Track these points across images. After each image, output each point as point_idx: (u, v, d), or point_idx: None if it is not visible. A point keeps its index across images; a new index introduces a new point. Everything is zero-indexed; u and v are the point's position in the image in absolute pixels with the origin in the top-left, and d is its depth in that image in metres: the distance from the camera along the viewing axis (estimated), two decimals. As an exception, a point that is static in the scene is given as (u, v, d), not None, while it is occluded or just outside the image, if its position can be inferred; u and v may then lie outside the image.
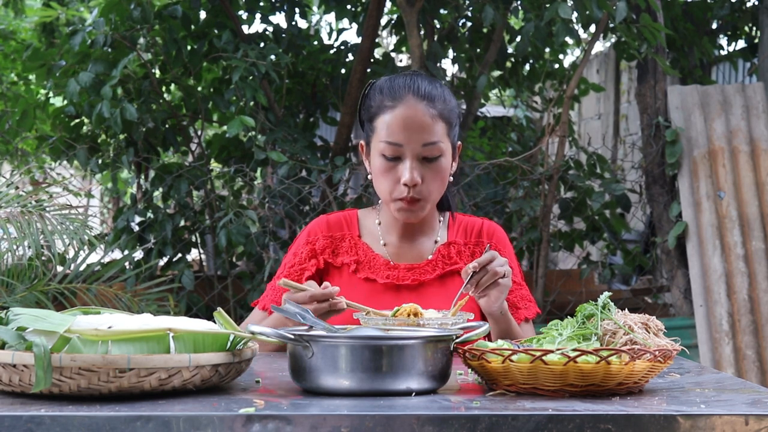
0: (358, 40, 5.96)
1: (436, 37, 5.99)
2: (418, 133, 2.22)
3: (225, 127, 5.90)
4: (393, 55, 6.30)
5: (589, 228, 5.83)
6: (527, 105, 6.44)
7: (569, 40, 6.46)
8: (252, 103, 5.34)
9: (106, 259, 5.35)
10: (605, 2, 4.96)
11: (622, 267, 6.07)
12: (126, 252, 5.38)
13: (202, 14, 5.91)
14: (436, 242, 2.40)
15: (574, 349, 1.63)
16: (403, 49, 6.23)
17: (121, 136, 5.64)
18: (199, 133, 5.89)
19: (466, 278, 2.07)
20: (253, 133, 5.45)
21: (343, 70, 6.14)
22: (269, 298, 2.37)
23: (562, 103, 5.72)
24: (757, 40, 6.60)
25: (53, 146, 5.66)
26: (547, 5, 5.27)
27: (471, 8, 5.93)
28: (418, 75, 2.34)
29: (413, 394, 1.62)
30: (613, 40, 6.27)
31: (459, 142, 2.37)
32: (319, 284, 2.36)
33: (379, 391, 1.61)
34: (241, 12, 5.90)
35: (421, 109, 2.23)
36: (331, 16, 6.67)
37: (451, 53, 6.15)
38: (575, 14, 5.12)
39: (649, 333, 1.75)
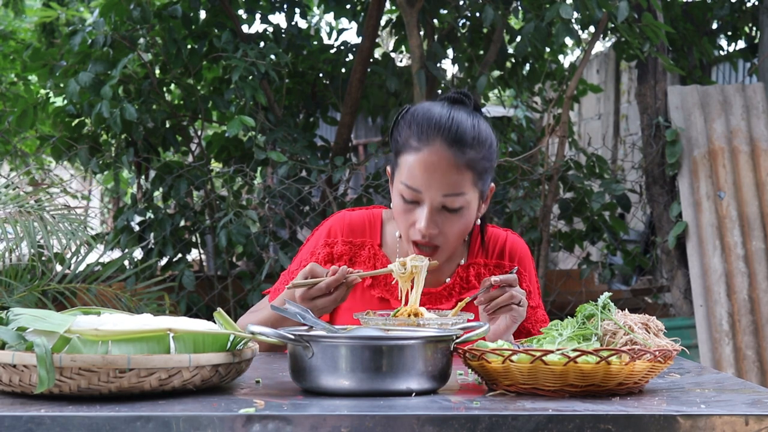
0: (358, 40, 5.96)
1: (436, 37, 6.00)
2: (440, 182, 2.08)
3: (225, 127, 5.91)
4: (393, 55, 6.31)
5: (589, 228, 5.83)
6: (527, 105, 6.44)
7: (569, 41, 6.46)
8: (252, 103, 5.34)
9: (106, 259, 5.35)
10: (606, 2, 4.96)
11: (622, 267, 6.07)
12: (126, 251, 5.38)
13: (202, 14, 5.91)
14: (457, 264, 2.31)
15: (574, 350, 1.63)
16: (403, 49, 6.24)
17: (122, 136, 5.65)
18: (199, 132, 5.89)
19: (482, 288, 2.04)
20: (253, 133, 5.45)
21: (343, 70, 6.14)
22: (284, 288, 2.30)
23: (562, 104, 5.72)
24: (757, 40, 6.61)
25: (54, 146, 5.67)
26: (547, 5, 5.27)
27: (471, 8, 5.94)
28: (458, 109, 2.14)
29: (413, 394, 1.62)
30: (613, 40, 6.27)
31: (492, 185, 2.21)
32: None
33: (379, 391, 1.61)
34: (241, 12, 5.90)
35: (447, 157, 2.08)
36: (331, 16, 6.67)
37: (451, 53, 6.15)
38: (576, 14, 5.12)
39: (649, 333, 1.75)
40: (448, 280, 2.30)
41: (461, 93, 2.19)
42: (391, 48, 6.75)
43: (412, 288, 2.06)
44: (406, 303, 2.11)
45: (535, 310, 2.32)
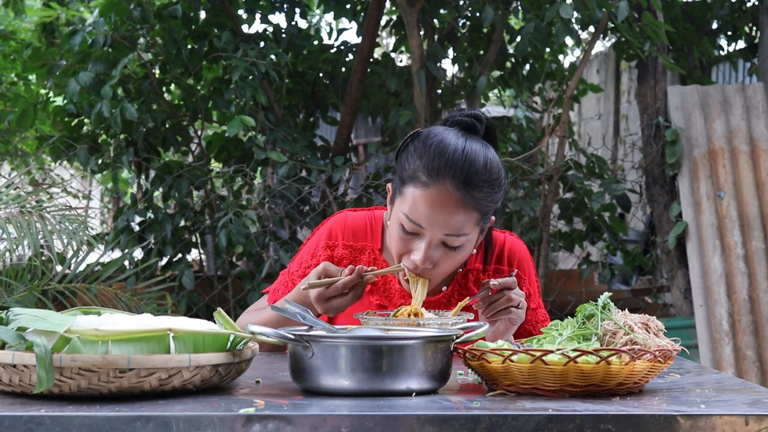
0: (358, 40, 5.96)
1: (436, 37, 6.00)
2: (444, 222, 2.03)
3: (225, 127, 5.91)
4: (393, 55, 6.31)
5: (589, 228, 5.83)
6: (527, 105, 6.44)
7: (569, 41, 6.46)
8: (252, 103, 5.34)
9: (106, 259, 5.36)
10: (606, 1, 4.96)
11: (622, 267, 6.07)
12: (126, 251, 5.38)
13: (202, 14, 5.91)
14: (455, 271, 2.27)
15: (575, 350, 1.63)
16: (403, 49, 6.24)
17: (121, 136, 5.65)
18: (199, 132, 5.89)
19: (481, 290, 2.04)
20: (253, 133, 5.45)
21: (343, 70, 6.14)
22: (283, 289, 2.30)
23: (562, 104, 5.72)
24: (757, 40, 6.61)
25: (53, 146, 5.67)
26: (547, 5, 5.27)
27: (471, 8, 5.94)
28: (472, 141, 2.07)
29: (413, 394, 1.62)
30: (613, 40, 6.27)
31: (492, 218, 2.16)
32: None
33: (379, 391, 1.61)
34: (241, 12, 5.90)
35: (455, 198, 2.02)
36: (331, 16, 6.69)
37: (451, 53, 6.15)
38: (576, 14, 5.12)
39: (649, 333, 1.75)
40: (445, 288, 2.28)
41: (474, 117, 2.11)
42: (391, 48, 6.75)
43: (409, 315, 2.05)
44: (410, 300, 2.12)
45: (536, 312, 2.31)
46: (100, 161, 5.67)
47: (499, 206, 2.13)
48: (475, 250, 2.19)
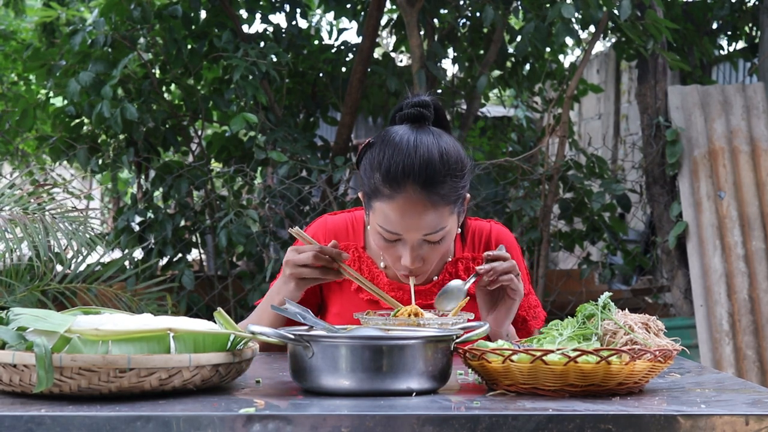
0: (358, 40, 5.96)
1: (436, 37, 6.00)
2: (418, 225, 2.06)
3: (225, 127, 5.91)
4: (393, 55, 6.31)
5: (589, 228, 5.83)
6: (527, 105, 6.44)
7: (569, 41, 6.46)
8: (252, 103, 5.34)
9: (107, 259, 5.35)
10: (609, 0, 4.97)
11: (622, 267, 6.07)
12: (126, 252, 5.38)
13: (203, 14, 5.91)
14: (444, 261, 2.29)
15: (575, 349, 1.63)
16: (403, 49, 6.24)
17: (122, 136, 5.65)
18: (199, 132, 5.89)
19: (484, 261, 2.07)
20: (254, 132, 5.45)
21: (343, 70, 6.14)
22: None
23: (562, 104, 5.72)
24: (757, 40, 6.61)
25: (53, 146, 5.67)
26: (548, 5, 5.27)
27: (471, 8, 5.94)
28: (422, 134, 2.07)
29: (413, 394, 1.62)
30: (613, 40, 6.27)
31: (467, 196, 2.16)
32: (319, 297, 2.33)
33: (379, 391, 1.61)
34: (241, 11, 5.90)
35: (422, 200, 2.03)
36: (331, 16, 6.69)
37: (451, 53, 6.15)
38: (577, 14, 5.12)
39: (649, 333, 1.75)
40: (436, 277, 2.29)
41: (420, 106, 2.11)
42: (391, 48, 6.75)
43: (409, 315, 2.05)
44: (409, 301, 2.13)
45: (528, 297, 2.32)
46: (100, 161, 5.67)
47: (469, 185, 2.14)
48: (459, 229, 2.20)
